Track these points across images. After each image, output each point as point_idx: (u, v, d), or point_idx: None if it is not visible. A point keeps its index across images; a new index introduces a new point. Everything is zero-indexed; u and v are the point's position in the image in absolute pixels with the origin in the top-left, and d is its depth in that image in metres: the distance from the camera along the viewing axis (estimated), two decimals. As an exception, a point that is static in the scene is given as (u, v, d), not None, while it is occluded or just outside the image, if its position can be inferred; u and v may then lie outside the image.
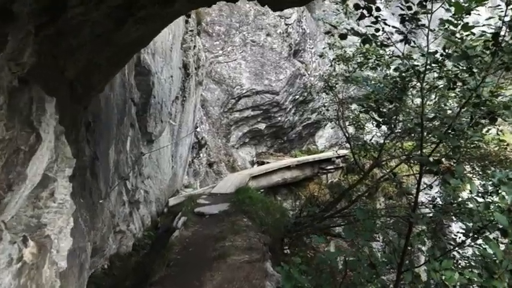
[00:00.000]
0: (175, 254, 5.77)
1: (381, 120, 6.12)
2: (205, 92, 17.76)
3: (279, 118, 18.77)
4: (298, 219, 9.02)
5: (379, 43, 4.54)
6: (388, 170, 17.32)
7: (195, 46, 11.23)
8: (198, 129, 13.25)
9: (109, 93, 5.57)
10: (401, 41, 4.43)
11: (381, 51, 7.13)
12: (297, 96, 19.16)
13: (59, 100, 2.54)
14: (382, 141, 9.05)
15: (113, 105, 5.72)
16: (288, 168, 16.46)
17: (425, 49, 4.43)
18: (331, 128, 21.61)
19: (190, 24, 11.16)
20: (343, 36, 4.35)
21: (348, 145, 22.05)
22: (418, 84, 5.66)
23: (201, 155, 15.86)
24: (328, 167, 18.69)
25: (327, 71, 21.67)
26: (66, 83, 2.62)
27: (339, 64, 9.01)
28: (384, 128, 8.35)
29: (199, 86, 11.78)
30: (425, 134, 5.56)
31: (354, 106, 11.92)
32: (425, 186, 5.71)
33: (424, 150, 5.02)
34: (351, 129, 11.76)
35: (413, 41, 4.45)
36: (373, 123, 7.78)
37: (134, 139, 6.96)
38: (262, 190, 15.26)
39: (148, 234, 7.69)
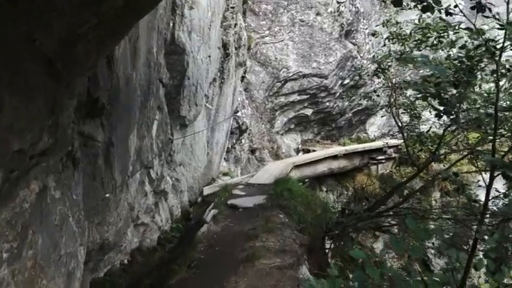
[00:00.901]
0: (200, 253, 5.29)
1: (442, 108, 5.25)
2: (249, 75, 17.19)
3: (327, 104, 17.90)
4: (341, 217, 8.30)
5: (442, 12, 3.72)
6: (447, 165, 16.15)
7: (236, 24, 10.64)
8: (238, 114, 12.74)
9: (131, 72, 5.11)
10: (472, 8, 3.58)
11: (444, 25, 6.14)
12: (348, 81, 18.16)
13: (24, 76, 2.05)
14: (441, 132, 8.10)
15: (135, 86, 5.27)
16: (335, 157, 15.63)
17: (505, 20, 3.56)
18: (383, 116, 20.43)
19: (231, 1, 10.56)
20: (397, 3, 3.58)
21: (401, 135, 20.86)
22: (490, 66, 4.76)
23: (243, 140, 15.38)
24: (379, 158, 17.67)
25: (380, 52, 20.39)
26: (40, 56, 2.14)
27: (393, 43, 8.06)
28: (444, 117, 7.44)
29: (239, 67, 11.21)
30: (499, 127, 4.67)
31: (409, 92, 10.89)
32: (498, 194, 4.82)
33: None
34: (405, 118, 10.81)
35: (489, 9, 3.59)
36: (430, 112, 6.89)
37: (162, 123, 6.52)
38: (306, 180, 14.59)
39: (177, 227, 7.29)
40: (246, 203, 7.51)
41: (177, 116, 7.93)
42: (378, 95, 10.79)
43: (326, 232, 7.66)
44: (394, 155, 17.90)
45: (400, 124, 7.98)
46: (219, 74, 9.85)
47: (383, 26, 8.64)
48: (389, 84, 8.32)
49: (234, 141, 13.29)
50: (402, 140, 17.79)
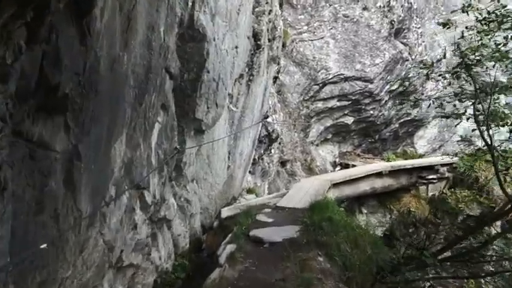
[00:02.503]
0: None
1: None
2: (282, 75, 15.71)
3: (371, 112, 16.21)
4: (396, 258, 6.67)
5: None
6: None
7: (270, 11, 9.19)
8: (268, 119, 11.26)
9: (120, 53, 3.72)
10: None
11: None
12: (396, 86, 16.41)
13: None
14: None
15: (125, 72, 3.87)
16: (379, 175, 13.93)
17: None
18: (436, 128, 18.59)
19: (266, -17, 9.14)
20: None
21: (456, 150, 18.85)
22: None
23: (272, 151, 13.88)
24: (430, 177, 15.83)
25: (438, 55, 18.57)
26: None
27: (483, 32, 6.42)
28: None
29: (272, 62, 9.73)
30: None
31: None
32: None
33: None
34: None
35: None
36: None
37: (167, 127, 5.10)
38: (344, 201, 12.96)
39: (182, 264, 5.83)
40: (274, 235, 5.99)
41: (191, 118, 6.51)
42: (441, 103, 9.03)
43: (379, 280, 6.05)
44: (447, 174, 16.03)
45: (490, 141, 6.25)
46: (247, 69, 8.41)
47: (463, 12, 6.97)
48: (476, 86, 6.61)
49: (262, 151, 11.80)
50: (458, 158, 15.91)
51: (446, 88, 18.62)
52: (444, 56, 18.71)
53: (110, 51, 3.58)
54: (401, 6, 16.08)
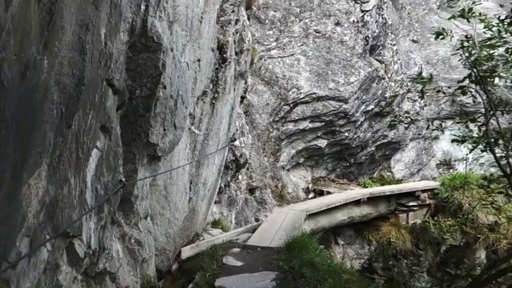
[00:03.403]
0: None
1: None
2: (250, 95, 15.03)
3: (346, 134, 15.66)
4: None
5: None
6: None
7: (237, 20, 8.48)
8: (236, 142, 10.44)
9: (36, 56, 2.83)
10: None
11: None
12: (372, 106, 15.97)
13: None
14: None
15: (46, 83, 2.97)
16: (357, 203, 13.27)
17: None
18: (413, 151, 18.23)
19: (233, -11, 8.45)
20: None
21: (433, 176, 18.49)
22: None
23: (240, 177, 13.05)
24: (410, 204, 15.32)
25: (414, 73, 18.35)
26: None
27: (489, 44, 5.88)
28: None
29: (240, 79, 8.97)
30: None
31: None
32: None
33: None
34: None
35: None
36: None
37: (109, 155, 4.19)
38: (318, 233, 12.21)
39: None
40: (245, 286, 5.08)
41: (144, 143, 5.60)
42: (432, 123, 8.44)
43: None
44: (428, 201, 15.55)
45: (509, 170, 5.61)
46: (211, 85, 7.60)
47: (462, 17, 6.44)
48: (488, 103, 6.02)
49: (229, 178, 10.94)
50: (438, 183, 15.45)
51: (423, 109, 18.50)
52: (420, 75, 18.65)
53: (21, 53, 2.69)
54: (376, 21, 15.78)
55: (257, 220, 13.56)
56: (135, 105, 5.41)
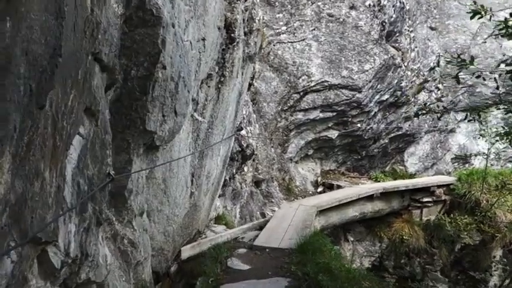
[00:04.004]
0: None
1: None
2: (258, 82, 14.39)
3: (359, 125, 15.00)
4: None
5: None
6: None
7: (247, -3, 7.81)
8: (243, 132, 9.83)
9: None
10: None
11: None
12: (387, 96, 15.28)
13: None
14: None
15: (9, 53, 2.34)
16: (370, 198, 12.66)
17: None
18: (428, 144, 17.56)
19: (242, -37, 7.77)
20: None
21: (447, 171, 17.83)
22: None
23: (245, 169, 12.43)
24: (424, 200, 14.72)
25: (431, 63, 17.61)
26: None
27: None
28: None
29: (249, 62, 8.32)
30: None
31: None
32: None
33: None
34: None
35: None
36: None
37: (95, 144, 3.59)
38: (328, 229, 11.63)
39: None
40: (252, 296, 4.50)
41: (140, 130, 4.97)
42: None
43: None
44: (443, 197, 14.94)
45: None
46: (217, 68, 6.97)
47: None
48: None
49: (234, 170, 10.34)
50: (454, 178, 14.78)
51: (440, 100, 17.79)
52: (438, 64, 17.87)
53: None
54: (393, 5, 15.04)
55: (263, 215, 12.99)
56: (130, 87, 4.79)
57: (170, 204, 6.10)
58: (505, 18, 5.75)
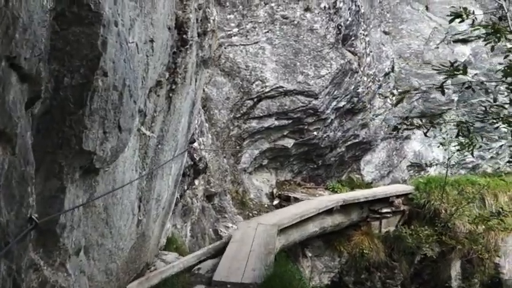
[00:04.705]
0: None
1: None
2: (209, 87, 13.64)
3: (315, 133, 14.58)
4: None
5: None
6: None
7: (200, -5, 7.06)
8: (195, 144, 9.05)
9: None
10: None
11: None
12: (344, 103, 14.96)
13: None
14: None
15: None
16: (330, 211, 12.22)
17: None
18: (384, 152, 17.44)
19: (194, -44, 7.02)
20: None
21: (404, 180, 17.79)
22: None
23: (196, 182, 11.63)
24: (383, 211, 14.47)
25: (386, 68, 17.53)
26: None
27: None
28: None
29: (203, 67, 7.56)
30: None
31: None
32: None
33: None
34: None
35: None
36: None
37: (10, 179, 2.74)
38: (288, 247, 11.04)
39: None
40: None
41: (75, 150, 4.10)
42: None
43: None
44: (402, 207, 14.78)
45: None
46: (167, 74, 6.17)
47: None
48: None
49: (186, 186, 9.53)
50: (412, 187, 14.64)
51: (395, 106, 17.71)
52: (392, 69, 17.88)
53: None
54: (349, 8, 14.75)
55: (216, 232, 12.24)
56: (62, 98, 3.92)
57: (113, 237, 5.23)
58: (493, 23, 5.34)
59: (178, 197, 9.13)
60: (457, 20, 5.65)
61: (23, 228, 2.82)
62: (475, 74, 18.43)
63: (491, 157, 19.67)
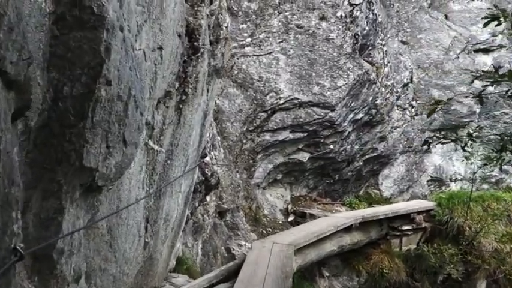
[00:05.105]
0: None
1: None
2: (220, 99, 13.32)
3: (331, 146, 14.15)
4: None
5: None
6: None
7: (212, 0, 6.74)
8: (207, 158, 8.68)
9: None
10: None
11: None
12: (361, 115, 14.53)
13: None
14: None
15: None
16: (348, 229, 11.74)
17: None
18: (403, 166, 16.93)
19: (207, -40, 6.72)
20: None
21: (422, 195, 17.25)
22: None
23: (208, 198, 11.25)
24: (404, 228, 13.94)
25: (404, 79, 17.11)
26: None
27: None
28: None
29: (215, 77, 7.22)
30: None
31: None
32: None
33: None
34: None
35: None
36: None
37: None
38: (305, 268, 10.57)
39: None
40: None
41: (75, 167, 3.74)
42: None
43: None
44: (424, 224, 14.24)
45: None
46: (177, 84, 5.83)
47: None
48: None
49: (197, 203, 9.15)
50: (434, 203, 14.09)
51: (414, 118, 17.26)
52: (411, 80, 17.43)
53: None
54: (366, 17, 14.39)
55: (228, 250, 11.81)
56: (61, 110, 3.58)
57: (118, 261, 4.85)
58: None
59: (189, 214, 8.74)
60: (494, 23, 5.22)
61: (6, 261, 2.45)
62: (499, 85, 17.89)
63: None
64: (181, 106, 5.85)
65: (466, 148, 6.87)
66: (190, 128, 6.21)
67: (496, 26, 5.22)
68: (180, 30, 6.02)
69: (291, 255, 8.15)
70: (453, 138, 5.57)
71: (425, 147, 16.10)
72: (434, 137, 5.77)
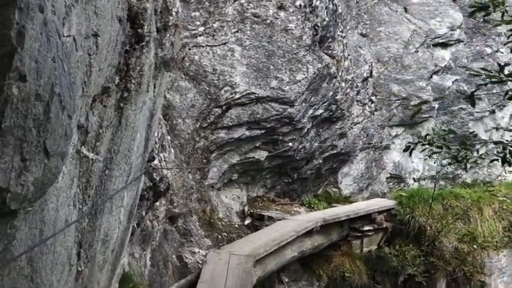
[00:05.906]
0: None
1: None
2: (171, 93, 12.43)
3: (290, 144, 13.53)
4: None
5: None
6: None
7: (160, -19, 5.88)
8: (155, 162, 7.82)
9: None
10: None
11: None
12: (321, 111, 13.99)
13: None
14: None
15: None
16: (309, 233, 11.19)
17: None
18: (363, 163, 16.59)
19: None
20: None
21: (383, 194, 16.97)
22: None
23: (157, 202, 10.39)
24: (365, 228, 13.62)
25: (364, 73, 16.69)
26: None
27: None
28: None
29: (164, 70, 6.36)
30: None
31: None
32: None
33: None
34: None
35: None
36: None
37: None
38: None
39: None
40: None
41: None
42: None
43: None
44: (385, 224, 13.95)
45: None
46: (117, 79, 4.95)
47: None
48: None
49: (144, 212, 8.27)
50: (395, 202, 13.77)
51: (373, 113, 16.94)
52: (371, 74, 17.06)
53: None
54: (326, 7, 13.83)
55: (180, 259, 11.02)
56: None
57: (41, 298, 3.98)
58: None
59: (135, 225, 7.86)
60: (481, 13, 4.66)
61: None
62: (456, 80, 17.92)
63: (471, 167, 19.13)
64: (122, 105, 4.98)
65: (435, 150, 6.41)
66: (134, 131, 5.34)
67: (485, 16, 4.65)
68: (120, 14, 5.13)
69: (250, 270, 7.47)
70: (441, 145, 5.00)
71: (383, 143, 15.81)
72: (419, 142, 5.30)
